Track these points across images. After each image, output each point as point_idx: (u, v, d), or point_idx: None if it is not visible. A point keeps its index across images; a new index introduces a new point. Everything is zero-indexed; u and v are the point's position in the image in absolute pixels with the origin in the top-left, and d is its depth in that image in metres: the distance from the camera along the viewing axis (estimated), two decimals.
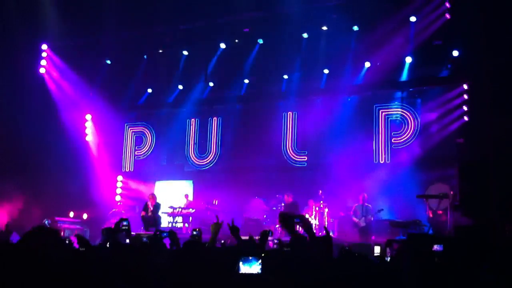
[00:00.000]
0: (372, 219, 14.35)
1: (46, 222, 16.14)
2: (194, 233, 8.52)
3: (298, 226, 12.46)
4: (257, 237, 6.41)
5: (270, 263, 4.24)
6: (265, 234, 5.97)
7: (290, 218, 4.26)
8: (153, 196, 15.89)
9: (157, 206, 15.71)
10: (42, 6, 18.01)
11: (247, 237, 8.93)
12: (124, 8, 17.30)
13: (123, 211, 17.52)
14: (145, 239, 8.29)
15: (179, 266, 4.85)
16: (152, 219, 15.42)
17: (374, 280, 3.82)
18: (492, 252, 4.70)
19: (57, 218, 16.23)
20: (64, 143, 18.67)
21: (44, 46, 19.36)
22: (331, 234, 14.25)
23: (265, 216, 15.98)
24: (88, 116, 19.70)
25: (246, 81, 17.80)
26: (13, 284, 3.67)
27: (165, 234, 7.09)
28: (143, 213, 15.71)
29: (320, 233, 12.83)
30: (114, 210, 18.01)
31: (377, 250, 8.67)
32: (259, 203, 16.41)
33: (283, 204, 15.63)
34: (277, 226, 14.96)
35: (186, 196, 17.11)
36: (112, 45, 18.91)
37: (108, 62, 19.23)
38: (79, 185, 18.22)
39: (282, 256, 4.72)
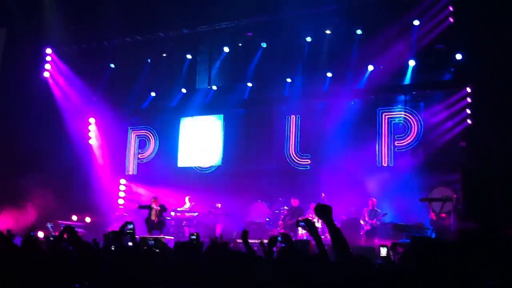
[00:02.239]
0: (378, 223, 14.31)
1: (49, 225, 16.18)
2: (192, 237, 8.59)
3: (302, 230, 12.43)
4: (265, 241, 6.39)
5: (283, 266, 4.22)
6: (273, 241, 5.91)
7: (327, 208, 4.19)
8: (157, 199, 15.85)
9: (163, 208, 15.61)
10: (46, 11, 18.12)
11: (253, 241, 8.93)
12: (127, 13, 17.39)
13: (125, 214, 17.48)
14: (151, 242, 8.36)
15: (175, 268, 4.88)
16: (156, 222, 15.38)
17: (381, 284, 3.82)
18: (495, 257, 4.70)
19: (60, 222, 16.24)
20: (67, 146, 18.75)
21: (49, 50, 19.45)
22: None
23: (267, 220, 15.98)
24: (92, 120, 19.76)
25: (249, 84, 17.82)
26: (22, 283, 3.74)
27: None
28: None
29: (323, 236, 12.79)
30: (117, 214, 18.01)
31: (383, 252, 8.69)
32: (261, 207, 16.42)
33: (286, 208, 15.64)
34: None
35: (190, 199, 17.11)
36: (116, 50, 19.01)
37: (112, 66, 19.30)
38: (82, 188, 18.28)
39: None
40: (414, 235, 11.38)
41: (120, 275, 4.68)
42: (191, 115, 18.63)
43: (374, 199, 14.60)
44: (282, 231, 14.85)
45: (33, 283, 4.68)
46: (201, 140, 18.39)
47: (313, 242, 4.69)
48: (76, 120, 19.19)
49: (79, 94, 19.26)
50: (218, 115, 18.37)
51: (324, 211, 4.15)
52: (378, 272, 3.92)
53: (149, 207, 15.66)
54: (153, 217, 15.45)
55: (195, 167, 18.32)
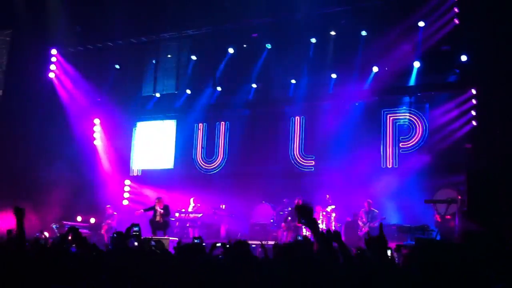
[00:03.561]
0: (376, 225, 14.18)
1: (54, 226, 16.20)
2: (196, 241, 8.61)
3: (304, 229, 12.35)
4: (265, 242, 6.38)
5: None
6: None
7: (308, 209, 4.24)
8: (161, 200, 15.76)
9: (166, 209, 15.52)
10: (51, 12, 18.18)
11: (256, 242, 8.94)
12: (132, 14, 17.43)
13: (115, 213, 17.36)
14: (153, 242, 8.40)
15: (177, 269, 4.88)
16: (161, 223, 15.30)
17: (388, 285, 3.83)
18: (501, 260, 4.68)
19: (64, 222, 16.25)
20: (72, 147, 18.77)
21: (54, 51, 19.50)
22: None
23: (272, 221, 15.95)
24: (97, 121, 19.79)
25: (254, 86, 17.82)
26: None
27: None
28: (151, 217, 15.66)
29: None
30: (107, 213, 17.60)
31: (388, 254, 8.63)
32: (266, 208, 16.38)
33: (290, 208, 15.60)
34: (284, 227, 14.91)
35: (194, 200, 17.09)
36: (121, 50, 19.03)
37: (117, 67, 19.32)
38: (87, 189, 18.29)
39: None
40: (418, 237, 11.34)
41: (123, 276, 4.69)
42: (196, 116, 18.64)
43: (370, 200, 14.59)
44: (285, 233, 14.81)
45: (36, 283, 4.69)
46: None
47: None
48: (81, 120, 19.24)
49: (84, 94, 19.31)
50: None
51: (305, 211, 4.22)
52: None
53: (153, 208, 15.58)
54: (157, 218, 15.35)
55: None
